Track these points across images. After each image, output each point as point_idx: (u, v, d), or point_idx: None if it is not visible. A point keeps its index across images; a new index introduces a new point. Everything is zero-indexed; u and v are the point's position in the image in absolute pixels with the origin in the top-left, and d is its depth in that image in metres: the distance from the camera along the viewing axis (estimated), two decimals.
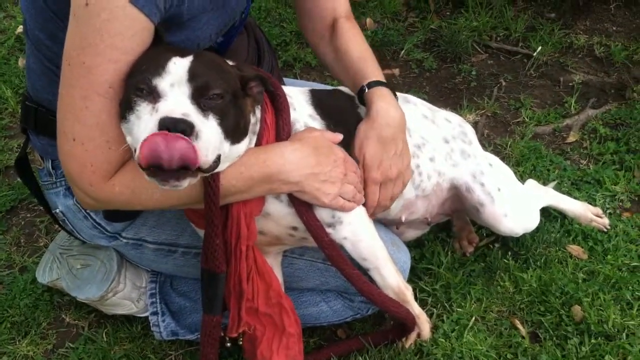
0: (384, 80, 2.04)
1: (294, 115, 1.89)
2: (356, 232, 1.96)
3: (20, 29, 3.75)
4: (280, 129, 1.82)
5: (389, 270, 2.04)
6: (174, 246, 2.11)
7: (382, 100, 1.97)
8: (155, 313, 2.24)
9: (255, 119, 1.77)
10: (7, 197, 2.84)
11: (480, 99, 3.32)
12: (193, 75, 1.54)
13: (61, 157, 1.68)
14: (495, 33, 3.74)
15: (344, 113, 2.06)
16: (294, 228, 1.91)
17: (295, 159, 1.77)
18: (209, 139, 1.51)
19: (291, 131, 1.84)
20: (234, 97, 1.62)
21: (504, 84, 3.43)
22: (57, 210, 2.10)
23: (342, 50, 2.14)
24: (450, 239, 2.61)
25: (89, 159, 1.64)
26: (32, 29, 1.84)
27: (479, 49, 3.67)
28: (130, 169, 1.64)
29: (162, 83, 1.53)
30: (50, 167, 2.06)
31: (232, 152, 1.64)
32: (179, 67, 1.55)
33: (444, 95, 3.38)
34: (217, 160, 1.56)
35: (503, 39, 3.72)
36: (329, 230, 1.92)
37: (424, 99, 2.33)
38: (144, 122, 1.50)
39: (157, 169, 1.45)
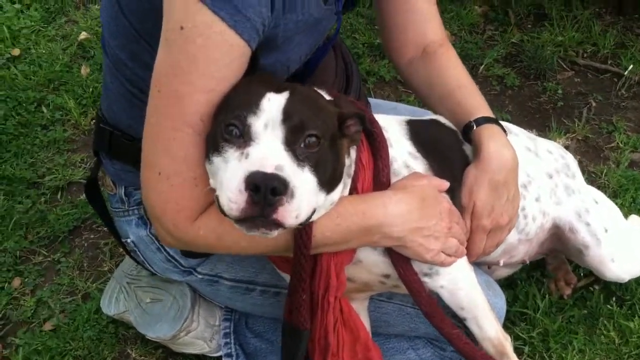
0: (492, 116, 1.87)
1: (391, 152, 1.72)
2: (455, 280, 1.80)
3: (83, 35, 3.64)
4: (380, 171, 1.65)
5: (489, 320, 1.87)
6: (252, 284, 1.99)
7: (494, 141, 1.80)
8: (229, 355, 2.10)
9: (349, 160, 1.61)
10: (70, 217, 2.70)
11: (569, 121, 3.11)
12: (288, 115, 1.39)
13: (144, 191, 1.55)
14: (582, 49, 3.51)
15: (447, 150, 1.89)
16: (387, 276, 1.77)
17: (399, 212, 1.61)
18: (303, 194, 1.36)
19: (391, 176, 1.69)
20: (331, 139, 1.47)
21: (593, 104, 3.21)
22: (128, 240, 1.98)
23: (437, 77, 1.97)
24: (545, 279, 2.41)
25: (175, 196, 1.51)
26: (112, 47, 1.72)
27: (564, 66, 3.45)
28: (217, 212, 1.48)
29: (256, 123, 1.38)
30: (123, 194, 1.95)
31: (326, 201, 1.50)
32: (273, 104, 1.40)
33: (528, 115, 3.17)
34: (312, 214, 1.42)
35: (590, 56, 3.50)
36: (424, 279, 1.76)
37: (507, 120, 2.18)
38: (231, 169, 1.36)
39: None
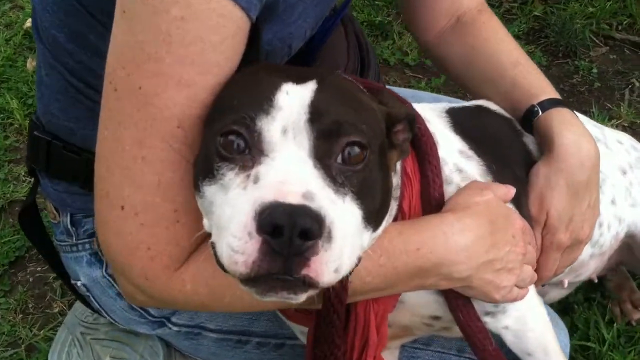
0: (559, 97, 1.57)
1: (441, 154, 1.38)
2: (524, 319, 1.52)
3: (30, 22, 3.33)
4: (430, 182, 1.30)
5: None
6: (245, 335, 1.68)
7: (569, 130, 1.49)
8: None
9: (396, 178, 1.27)
10: (12, 245, 2.38)
11: (611, 104, 2.86)
12: (318, 113, 1.00)
13: (101, 230, 1.21)
14: (616, 21, 3.29)
15: (503, 144, 1.58)
16: (436, 318, 1.45)
17: (465, 244, 1.25)
18: (346, 236, 0.96)
19: (444, 189, 1.35)
20: (380, 151, 1.09)
21: (637, 84, 2.99)
22: (79, 283, 1.66)
23: (479, 51, 1.70)
24: (608, 301, 2.14)
25: (146, 238, 1.16)
26: (47, 27, 1.40)
27: (597, 41, 3.22)
28: (208, 258, 1.09)
29: (271, 128, 0.99)
30: (69, 224, 1.63)
31: (371, 241, 1.12)
32: (294, 99, 1.01)
33: None
34: (356, 264, 1.02)
35: (626, 28, 3.28)
36: (485, 318, 1.45)
37: None
38: (233, 202, 0.97)
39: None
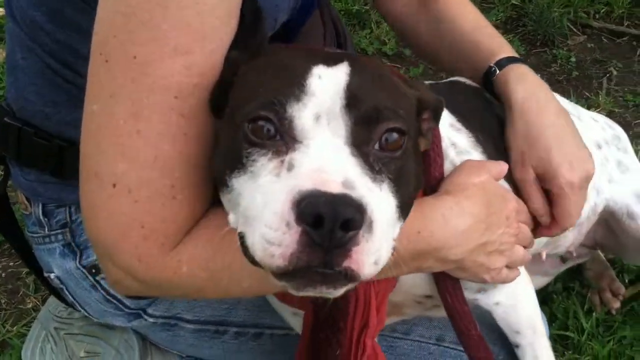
0: (516, 56, 1.62)
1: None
2: (515, 294, 1.57)
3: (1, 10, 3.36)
4: (432, 161, 1.31)
5: (545, 349, 1.64)
6: (223, 325, 1.69)
7: (523, 84, 1.55)
8: None
9: None
10: None
11: (589, 93, 2.94)
12: (354, 98, 0.98)
13: (87, 213, 1.17)
14: (593, 9, 3.39)
15: (480, 115, 1.61)
16: (428, 297, 1.49)
17: (463, 228, 1.27)
18: (385, 226, 0.94)
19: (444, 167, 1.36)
20: (414, 139, 1.10)
21: (614, 73, 3.08)
22: (52, 275, 1.65)
23: (446, 22, 1.73)
24: (587, 291, 2.18)
25: (140, 216, 1.13)
26: (24, 8, 1.38)
27: (575, 30, 3.31)
28: (209, 239, 1.10)
29: (302, 115, 0.96)
30: (41, 214, 1.62)
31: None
32: (327, 84, 0.98)
33: None
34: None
35: (604, 17, 3.36)
36: (476, 295, 1.51)
37: None
38: (265, 191, 0.94)
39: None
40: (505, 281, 1.44)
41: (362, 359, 1.33)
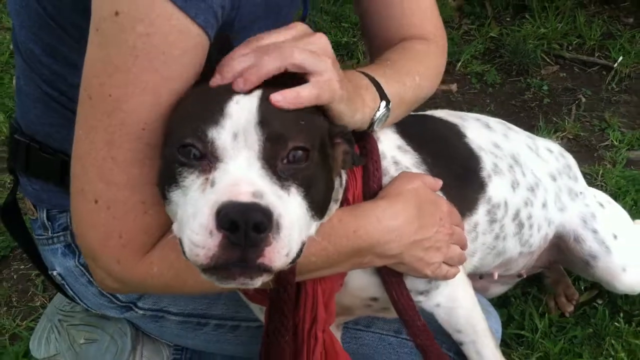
0: (381, 86, 1.55)
1: (379, 148, 1.52)
2: (454, 297, 1.66)
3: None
4: (370, 174, 1.44)
5: (488, 346, 1.73)
6: (204, 318, 1.80)
7: None
8: None
9: (344, 173, 1.42)
10: None
11: (558, 119, 3.02)
12: (264, 120, 1.12)
13: (76, 224, 1.32)
14: (566, 41, 3.47)
15: (443, 143, 1.74)
16: (374, 299, 1.58)
17: (395, 226, 1.40)
18: (293, 225, 1.09)
19: (382, 179, 1.48)
20: (321, 150, 1.22)
21: (583, 100, 3.16)
22: (55, 272, 1.77)
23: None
24: (544, 296, 2.28)
25: (118, 227, 1.28)
26: (24, 41, 1.51)
27: (548, 60, 3.40)
28: (174, 244, 1.23)
29: (222, 136, 1.10)
30: (46, 219, 1.73)
31: (318, 227, 1.26)
32: (242, 108, 1.13)
33: (512, 114, 3.08)
34: (302, 248, 1.15)
35: (576, 48, 3.46)
36: (419, 298, 1.60)
37: None
38: (193, 203, 1.09)
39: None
40: (446, 277, 1.54)
41: (315, 349, 1.45)
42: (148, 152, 1.22)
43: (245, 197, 1.03)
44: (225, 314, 1.77)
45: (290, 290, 1.36)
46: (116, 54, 1.19)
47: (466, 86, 3.22)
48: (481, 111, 3.00)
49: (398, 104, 1.54)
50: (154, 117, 1.21)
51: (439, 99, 3.14)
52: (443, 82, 3.06)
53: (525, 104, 3.11)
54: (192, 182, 1.11)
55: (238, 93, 1.14)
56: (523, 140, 1.95)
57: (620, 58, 3.22)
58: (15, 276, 2.46)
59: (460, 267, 1.65)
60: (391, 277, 1.49)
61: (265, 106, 1.13)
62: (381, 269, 1.49)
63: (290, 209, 1.10)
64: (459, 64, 3.30)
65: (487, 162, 1.79)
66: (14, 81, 3.20)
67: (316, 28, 3.45)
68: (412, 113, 1.78)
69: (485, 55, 3.40)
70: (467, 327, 1.69)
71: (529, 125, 2.93)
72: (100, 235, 1.28)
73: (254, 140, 1.10)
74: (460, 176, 1.71)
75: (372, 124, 1.45)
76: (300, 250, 1.14)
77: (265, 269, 1.05)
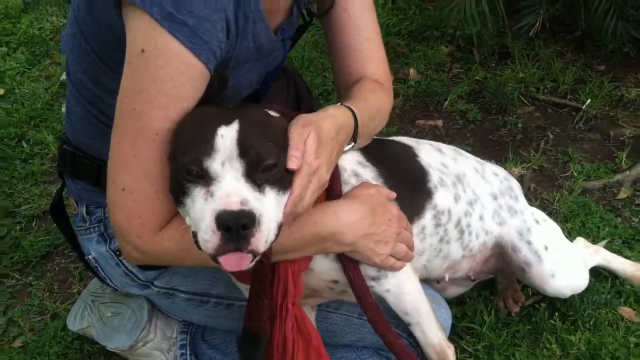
0: (352, 110, 1.86)
1: (341, 163, 1.84)
2: (401, 285, 1.92)
3: (65, 75, 3.83)
4: (333, 182, 1.78)
5: (432, 327, 1.99)
6: (207, 296, 2.09)
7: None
8: None
9: None
10: (43, 242, 2.88)
11: (526, 152, 3.27)
12: (243, 149, 1.48)
13: (110, 207, 1.65)
14: (542, 85, 3.69)
15: (399, 161, 2.04)
16: (335, 282, 1.88)
17: (350, 220, 1.73)
18: (270, 217, 1.49)
19: (341, 185, 1.82)
20: (285, 155, 1.58)
21: (551, 136, 3.36)
22: (90, 257, 2.10)
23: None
24: (494, 298, 2.53)
25: (138, 210, 1.61)
26: (75, 72, 1.86)
27: (525, 101, 3.62)
28: (181, 227, 1.61)
29: (213, 164, 1.48)
30: (85, 213, 2.07)
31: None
32: (227, 140, 1.49)
33: (488, 147, 3.34)
34: (279, 230, 1.54)
35: (550, 91, 3.68)
36: (371, 283, 1.88)
37: (468, 151, 2.31)
38: (200, 210, 1.47)
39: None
40: (393, 268, 1.83)
41: (286, 318, 1.75)
42: (160, 153, 1.56)
43: (235, 206, 1.42)
44: (222, 293, 2.05)
45: (267, 269, 1.70)
46: (140, 79, 1.53)
47: (450, 122, 3.48)
48: (462, 144, 3.24)
49: (365, 139, 1.92)
50: (164, 127, 1.54)
51: (425, 132, 3.40)
52: (430, 117, 3.46)
53: (501, 139, 3.35)
54: (197, 193, 1.47)
55: (220, 125, 1.49)
56: (471, 164, 2.23)
57: (589, 101, 3.46)
58: (57, 268, 2.79)
59: (408, 263, 1.91)
60: (349, 262, 1.79)
61: (242, 136, 1.48)
62: (340, 255, 1.79)
63: (267, 205, 1.47)
64: (446, 102, 3.58)
65: (434, 176, 2.06)
66: (62, 108, 3.62)
67: (322, 69, 3.86)
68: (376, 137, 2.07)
69: (470, 95, 3.66)
70: (413, 311, 1.95)
71: (501, 156, 3.19)
72: (126, 216, 1.61)
73: (237, 165, 1.47)
74: (411, 187, 1.99)
75: None
76: (278, 233, 1.51)
77: (253, 253, 1.44)
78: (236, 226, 1.41)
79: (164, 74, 1.51)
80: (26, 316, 2.59)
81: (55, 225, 2.69)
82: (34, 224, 3.02)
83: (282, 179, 1.54)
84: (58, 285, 2.73)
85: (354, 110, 1.84)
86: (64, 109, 3.42)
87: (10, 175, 3.25)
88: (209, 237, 1.43)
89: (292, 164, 1.55)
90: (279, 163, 1.53)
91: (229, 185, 1.46)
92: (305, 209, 1.62)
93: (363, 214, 1.75)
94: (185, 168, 1.48)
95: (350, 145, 1.85)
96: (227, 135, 1.49)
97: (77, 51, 1.81)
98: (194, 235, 1.50)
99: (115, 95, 1.60)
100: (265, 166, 1.49)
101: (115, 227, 1.67)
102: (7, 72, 3.96)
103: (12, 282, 2.75)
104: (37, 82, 3.91)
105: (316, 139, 1.63)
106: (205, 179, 1.47)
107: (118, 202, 1.62)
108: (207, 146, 1.47)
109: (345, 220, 1.73)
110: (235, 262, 1.45)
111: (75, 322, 2.34)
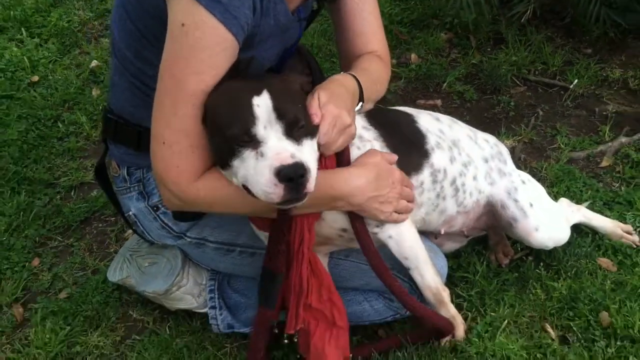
0: (354, 75, 2.13)
1: None
2: (401, 232, 2.15)
3: (94, 63, 4.15)
4: (342, 151, 2.02)
5: (429, 271, 2.22)
6: (233, 245, 2.30)
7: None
8: (213, 307, 2.46)
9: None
10: (82, 209, 3.13)
11: (518, 127, 3.50)
12: (279, 113, 1.74)
13: (152, 159, 1.87)
14: (533, 67, 3.91)
15: (399, 125, 2.27)
16: (344, 230, 2.12)
17: (359, 185, 1.98)
18: (313, 162, 1.77)
19: (349, 149, 2.05)
20: (307, 113, 1.84)
21: (541, 113, 3.59)
22: (130, 213, 2.34)
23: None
24: (487, 252, 2.74)
25: (176, 160, 1.83)
26: (121, 49, 2.07)
27: (517, 82, 3.83)
28: (215, 179, 1.86)
29: (259, 130, 1.73)
30: (126, 174, 2.30)
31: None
32: (262, 108, 1.74)
33: (483, 123, 3.56)
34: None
35: (541, 73, 3.90)
36: (376, 229, 2.11)
37: None
38: (254, 168, 1.72)
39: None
40: (396, 221, 2.08)
41: (302, 261, 2.00)
42: (195, 111, 1.78)
43: (288, 160, 1.68)
44: (246, 243, 2.26)
45: (287, 215, 1.95)
46: (180, 48, 1.74)
47: (449, 102, 3.72)
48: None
49: (370, 102, 2.17)
50: (200, 89, 1.76)
51: None
52: (430, 98, 3.72)
53: (495, 116, 3.59)
54: (248, 154, 1.72)
55: (252, 96, 1.74)
56: (465, 132, 2.47)
57: (576, 81, 3.70)
58: (95, 232, 3.04)
59: (409, 216, 2.16)
60: (355, 216, 2.05)
61: (275, 102, 1.74)
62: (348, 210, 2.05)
63: (307, 153, 1.76)
64: (445, 84, 3.82)
65: (431, 140, 2.29)
66: (93, 91, 3.88)
67: (330, 55, 4.10)
68: (380, 106, 2.36)
69: (467, 77, 3.89)
70: (412, 256, 2.17)
71: (495, 131, 3.40)
72: (165, 166, 1.83)
73: (277, 127, 1.73)
74: (410, 147, 2.22)
75: None
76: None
77: (307, 193, 1.72)
78: (296, 176, 1.67)
79: (201, 44, 1.73)
80: (69, 272, 2.84)
81: (92, 194, 3.13)
82: (72, 193, 3.27)
83: (313, 131, 1.82)
84: (97, 246, 2.96)
85: (356, 76, 2.10)
86: (94, 93, 3.75)
87: (49, 152, 3.50)
88: (272, 189, 1.69)
89: (315, 119, 1.84)
90: (306, 120, 1.79)
91: (275, 144, 1.72)
92: (338, 148, 1.93)
93: (369, 180, 2.00)
94: (236, 138, 1.72)
95: (359, 105, 2.11)
96: (262, 104, 1.74)
97: (123, 31, 2.05)
98: (246, 189, 1.76)
99: (155, 67, 1.84)
100: (299, 124, 1.76)
101: (156, 176, 1.90)
102: (41, 61, 4.20)
103: (55, 243, 3.00)
104: (68, 70, 4.15)
105: (326, 94, 1.89)
106: (253, 142, 1.72)
107: (159, 154, 1.85)
108: (248, 116, 1.72)
109: (355, 184, 1.98)
110: (293, 202, 1.76)
111: (115, 274, 2.60)
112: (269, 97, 1.74)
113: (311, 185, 1.72)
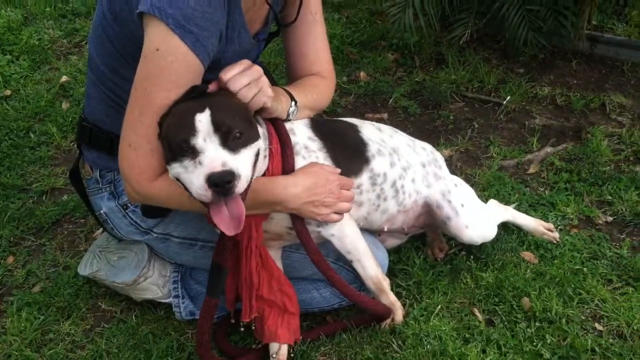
0: (292, 95, 2.31)
1: (294, 139, 2.22)
2: (342, 229, 2.31)
3: (64, 78, 4.29)
4: (287, 158, 2.18)
5: (369, 263, 2.40)
6: (195, 240, 2.46)
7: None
8: (176, 296, 2.63)
9: (265, 144, 2.12)
10: (53, 212, 3.26)
11: (455, 138, 3.74)
12: (217, 126, 1.88)
13: (119, 158, 2.05)
14: (471, 85, 4.14)
15: (342, 135, 2.42)
16: (291, 228, 2.28)
17: (295, 192, 2.13)
18: (246, 168, 1.90)
19: (294, 158, 2.20)
20: (249, 124, 1.98)
21: (476, 126, 3.83)
22: (102, 212, 2.50)
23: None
24: (424, 247, 2.94)
25: (138, 161, 2.01)
26: (97, 64, 2.23)
27: (456, 98, 4.05)
28: (169, 181, 2.02)
29: (198, 141, 1.87)
30: (98, 176, 2.47)
31: (256, 172, 2.04)
32: (203, 122, 1.88)
33: (425, 135, 3.79)
34: (252, 176, 1.96)
35: (477, 90, 4.14)
36: (318, 228, 2.28)
37: None
38: (190, 173, 1.88)
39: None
40: (332, 221, 2.23)
41: (251, 257, 2.15)
42: (155, 121, 1.94)
43: (218, 168, 1.81)
44: (207, 238, 2.39)
45: None
46: (153, 69, 1.92)
47: (394, 115, 3.95)
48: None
49: (302, 107, 2.32)
50: (164, 104, 1.93)
51: None
52: (377, 112, 3.95)
53: (436, 129, 3.80)
54: (188, 162, 1.86)
55: (196, 112, 1.87)
56: (404, 140, 2.66)
57: (509, 97, 3.96)
58: (66, 232, 3.16)
59: (351, 215, 2.33)
60: (296, 217, 2.21)
61: (214, 117, 1.86)
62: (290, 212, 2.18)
63: (242, 160, 1.89)
64: (391, 99, 4.05)
65: (372, 148, 2.43)
66: (63, 105, 3.96)
67: (286, 73, 4.31)
68: (326, 118, 2.60)
69: (411, 94, 4.10)
70: (354, 250, 2.33)
71: (435, 142, 3.65)
72: (129, 165, 2.01)
73: (214, 138, 1.86)
74: (352, 154, 2.38)
75: (288, 115, 2.26)
76: (250, 181, 1.92)
77: (236, 194, 1.86)
78: (222, 182, 1.82)
79: (173, 67, 1.91)
80: (42, 268, 2.96)
81: (63, 198, 3.26)
82: (44, 197, 3.39)
83: (250, 140, 1.96)
84: (67, 245, 3.08)
85: (287, 89, 2.31)
86: (64, 106, 3.89)
87: (21, 160, 3.63)
88: (203, 192, 1.84)
89: (223, 77, 2.01)
90: (244, 130, 1.92)
91: (212, 154, 1.86)
92: (253, 100, 2.05)
93: (306, 187, 2.14)
94: (179, 146, 1.87)
95: (293, 105, 2.29)
96: (203, 119, 1.87)
97: (101, 49, 2.21)
98: (187, 190, 1.91)
99: (129, 83, 2.00)
100: (234, 135, 1.88)
101: (122, 173, 2.06)
102: (13, 76, 4.33)
103: (28, 243, 3.12)
104: (39, 84, 4.28)
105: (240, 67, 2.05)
106: (193, 152, 1.86)
107: (124, 155, 2.02)
108: (191, 130, 1.86)
109: (291, 191, 2.13)
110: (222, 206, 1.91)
111: (86, 269, 2.74)
112: (209, 113, 1.88)
113: (240, 189, 1.86)
